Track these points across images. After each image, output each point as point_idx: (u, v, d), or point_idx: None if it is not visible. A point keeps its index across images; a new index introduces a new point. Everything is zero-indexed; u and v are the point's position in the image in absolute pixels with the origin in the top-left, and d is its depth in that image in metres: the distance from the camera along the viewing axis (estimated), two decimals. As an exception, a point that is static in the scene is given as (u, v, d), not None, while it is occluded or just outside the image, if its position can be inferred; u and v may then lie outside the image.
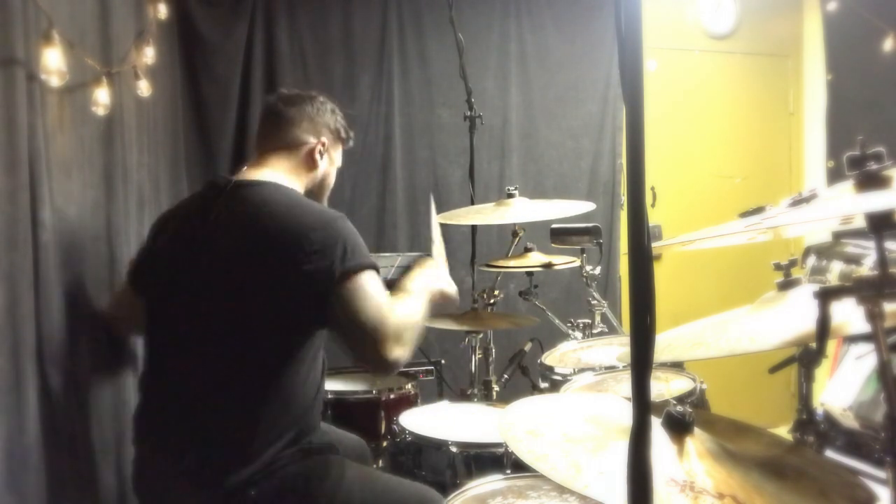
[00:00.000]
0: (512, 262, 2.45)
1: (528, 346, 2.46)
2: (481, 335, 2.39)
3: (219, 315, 1.54)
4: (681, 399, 1.76)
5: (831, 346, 2.51)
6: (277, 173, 1.69)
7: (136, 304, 1.72)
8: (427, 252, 2.61)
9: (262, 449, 1.49)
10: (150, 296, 1.69)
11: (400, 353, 1.48)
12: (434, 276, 1.80)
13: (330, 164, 1.82)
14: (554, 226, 2.53)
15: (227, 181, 1.67)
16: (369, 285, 1.52)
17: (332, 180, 1.86)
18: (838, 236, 3.06)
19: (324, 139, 1.78)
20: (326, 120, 1.81)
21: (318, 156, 1.76)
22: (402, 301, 1.60)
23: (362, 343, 1.49)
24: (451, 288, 1.82)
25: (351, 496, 1.53)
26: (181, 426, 1.53)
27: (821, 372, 2.37)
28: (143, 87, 2.14)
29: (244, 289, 1.53)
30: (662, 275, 3.60)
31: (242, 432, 1.49)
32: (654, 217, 3.61)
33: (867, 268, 2.72)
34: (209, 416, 1.50)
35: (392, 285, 2.28)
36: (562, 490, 1.38)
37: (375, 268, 1.57)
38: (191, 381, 1.54)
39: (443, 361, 2.73)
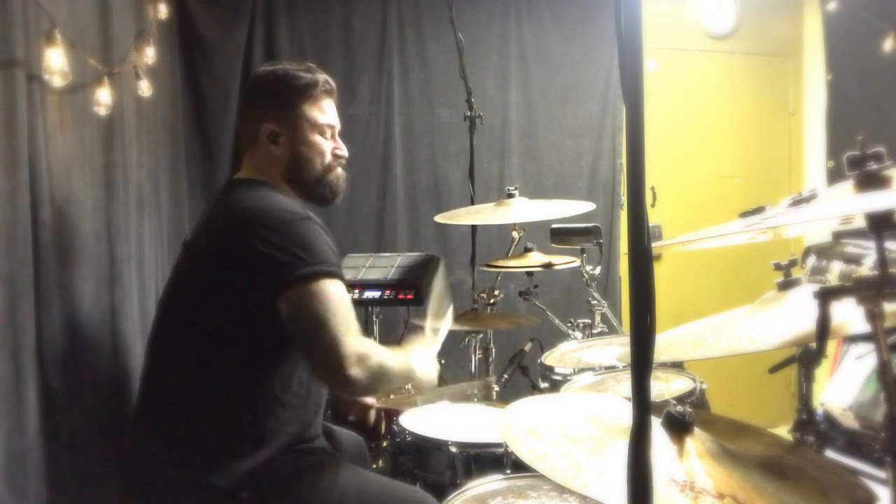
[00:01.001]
0: (512, 262, 2.45)
1: (528, 346, 2.46)
2: (481, 335, 2.39)
3: (194, 317, 1.54)
4: (681, 399, 1.76)
5: (831, 346, 2.51)
6: (252, 172, 1.67)
7: None
8: (427, 255, 2.62)
9: (253, 450, 1.48)
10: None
11: (358, 372, 1.40)
12: (423, 360, 1.70)
13: (296, 141, 1.65)
14: (554, 226, 2.53)
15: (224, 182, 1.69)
16: (331, 293, 1.44)
17: (310, 151, 1.66)
18: (838, 236, 3.06)
19: (269, 123, 1.64)
20: (267, 98, 1.66)
21: (269, 141, 1.64)
22: (381, 346, 1.52)
23: (318, 352, 1.42)
24: (429, 375, 1.71)
25: (344, 499, 1.52)
26: (170, 427, 1.52)
27: (821, 372, 2.37)
28: (144, 87, 2.15)
29: (208, 291, 1.52)
30: (662, 275, 3.60)
31: (232, 433, 1.48)
32: (654, 217, 3.61)
33: (867, 268, 2.71)
34: (199, 417, 1.49)
35: (392, 285, 2.27)
36: (562, 490, 1.38)
37: (339, 276, 1.48)
38: (181, 383, 1.54)
39: (443, 361, 2.72)
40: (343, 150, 1.73)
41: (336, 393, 1.58)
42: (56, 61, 1.61)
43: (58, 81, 1.63)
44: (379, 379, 1.49)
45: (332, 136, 1.72)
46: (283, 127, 1.65)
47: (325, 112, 1.69)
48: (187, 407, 1.50)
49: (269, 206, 1.53)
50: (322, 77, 1.69)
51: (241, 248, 1.47)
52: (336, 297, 1.45)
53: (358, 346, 1.43)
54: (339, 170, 1.73)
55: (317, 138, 1.67)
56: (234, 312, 1.49)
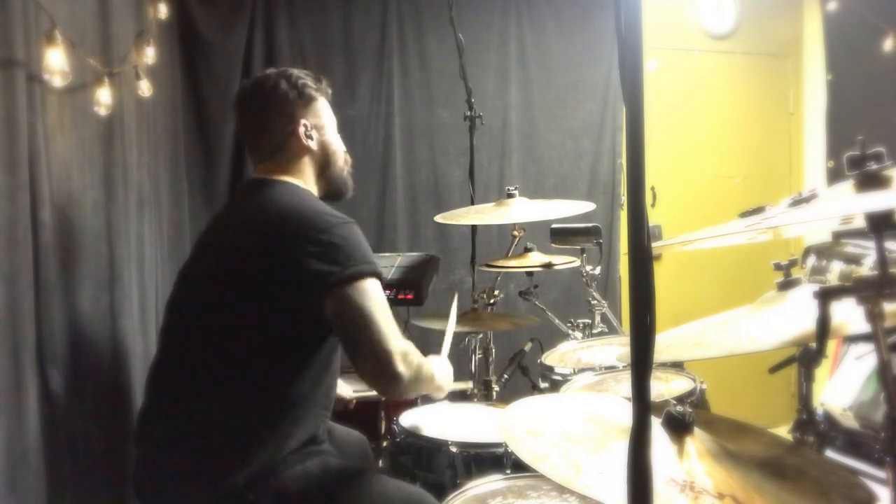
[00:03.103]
0: (512, 262, 2.45)
1: (528, 346, 2.46)
2: (481, 335, 2.39)
3: (220, 317, 1.53)
4: (681, 399, 1.76)
5: (831, 346, 2.51)
6: (281, 173, 1.68)
7: None
8: (427, 255, 2.62)
9: (263, 453, 1.48)
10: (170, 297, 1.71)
11: (404, 369, 1.44)
12: (440, 366, 1.74)
13: (320, 132, 1.73)
14: (554, 226, 2.53)
15: (244, 182, 1.68)
16: (376, 292, 1.50)
17: (334, 145, 1.76)
18: (838, 236, 3.06)
19: (303, 120, 1.70)
20: (291, 97, 1.70)
21: (305, 139, 1.69)
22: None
23: (364, 348, 1.45)
24: (447, 381, 1.75)
25: (349, 499, 1.52)
26: (182, 427, 1.52)
27: (821, 372, 2.37)
28: (145, 87, 2.15)
29: (243, 291, 1.52)
30: (662, 275, 3.60)
31: (244, 436, 1.48)
32: (654, 217, 3.61)
33: (867, 268, 2.71)
34: (210, 419, 1.49)
35: (392, 285, 2.28)
36: (562, 490, 1.38)
37: (381, 276, 1.54)
38: (192, 383, 1.54)
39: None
40: (343, 147, 1.82)
41: (381, 391, 1.61)
42: (56, 61, 1.61)
43: (58, 81, 1.63)
44: (418, 379, 1.52)
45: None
46: (314, 122, 1.72)
47: (330, 109, 1.79)
48: (204, 411, 1.50)
49: (315, 211, 1.58)
50: (321, 76, 1.78)
51: (288, 253, 1.48)
52: (381, 295, 1.51)
53: (402, 343, 1.47)
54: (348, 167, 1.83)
55: (335, 132, 1.78)
56: (266, 317, 1.49)
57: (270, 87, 1.71)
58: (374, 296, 1.49)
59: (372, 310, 1.47)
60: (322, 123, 1.74)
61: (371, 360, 1.45)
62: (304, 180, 1.70)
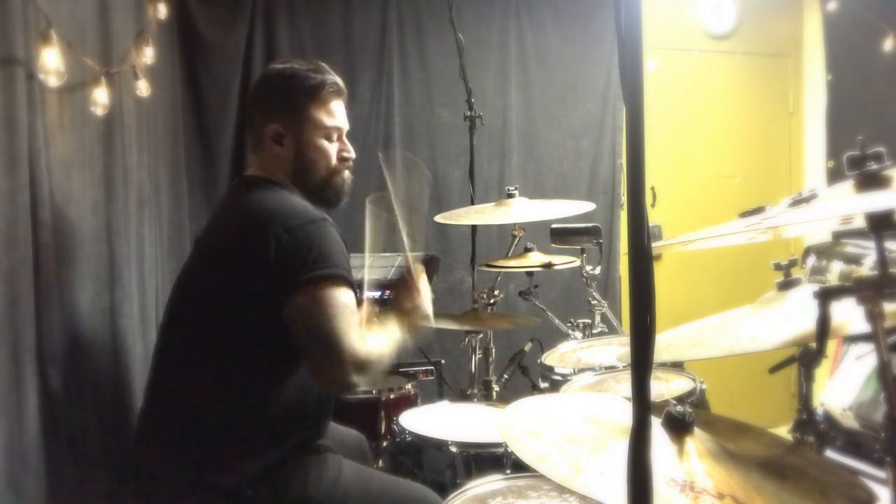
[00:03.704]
0: (512, 262, 2.45)
1: (528, 346, 2.46)
2: (481, 335, 2.39)
3: (210, 318, 1.53)
4: (681, 399, 1.76)
5: (831, 346, 2.51)
6: (262, 171, 1.66)
7: None
8: (427, 255, 2.61)
9: (265, 451, 1.48)
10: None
11: (357, 379, 1.40)
12: (413, 306, 1.66)
13: (301, 143, 1.63)
14: (554, 226, 2.53)
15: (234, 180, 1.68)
16: (336, 298, 1.43)
17: (312, 155, 1.64)
18: (838, 236, 3.06)
19: (274, 124, 1.62)
20: (276, 98, 1.63)
21: (273, 143, 1.63)
22: (375, 335, 1.50)
23: (319, 358, 1.42)
24: (425, 315, 1.67)
25: (348, 496, 1.52)
26: (181, 428, 1.52)
27: (821, 372, 2.37)
28: (143, 87, 2.15)
29: (228, 291, 1.51)
30: (662, 275, 3.60)
31: (246, 435, 1.48)
32: (654, 217, 3.61)
33: (867, 268, 2.71)
34: (207, 419, 1.49)
35: (391, 285, 2.27)
36: (562, 490, 1.38)
37: (349, 281, 1.47)
38: (190, 384, 1.53)
39: (443, 361, 2.73)
40: (350, 153, 1.71)
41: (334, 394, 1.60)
42: (52, 61, 1.61)
43: (53, 81, 1.63)
44: (378, 372, 1.48)
45: (339, 139, 1.70)
46: (289, 128, 1.63)
47: (333, 114, 1.67)
48: (202, 412, 1.49)
49: (285, 208, 1.53)
50: (331, 78, 1.68)
51: (255, 250, 1.46)
52: (337, 302, 1.43)
53: (356, 352, 1.41)
54: (346, 173, 1.71)
55: (322, 142, 1.66)
56: (251, 313, 1.48)
57: (261, 81, 1.70)
58: (326, 303, 1.41)
59: (322, 320, 1.40)
60: (304, 132, 1.63)
61: (323, 370, 1.42)
62: (281, 180, 1.64)
